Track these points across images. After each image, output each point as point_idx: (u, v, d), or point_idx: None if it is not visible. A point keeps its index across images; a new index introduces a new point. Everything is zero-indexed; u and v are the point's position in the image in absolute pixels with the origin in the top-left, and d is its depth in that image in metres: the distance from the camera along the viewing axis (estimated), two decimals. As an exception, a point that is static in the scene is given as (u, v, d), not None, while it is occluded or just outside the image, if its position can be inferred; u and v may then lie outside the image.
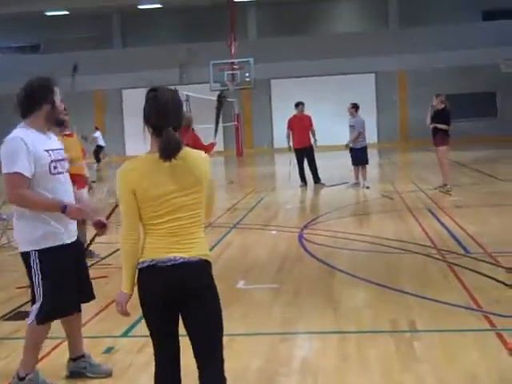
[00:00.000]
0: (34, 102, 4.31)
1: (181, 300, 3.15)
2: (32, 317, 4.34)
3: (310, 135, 15.72)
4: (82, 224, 8.62)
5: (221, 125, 12.04)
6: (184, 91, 22.25)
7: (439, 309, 5.73)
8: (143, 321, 5.72)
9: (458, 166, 18.44)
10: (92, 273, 7.57)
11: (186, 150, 3.18)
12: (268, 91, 33.81)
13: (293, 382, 4.34)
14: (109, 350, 5.09)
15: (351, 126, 15.19)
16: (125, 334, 5.48)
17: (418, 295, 6.13)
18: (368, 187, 14.79)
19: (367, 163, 15.36)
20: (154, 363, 4.75)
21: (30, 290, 4.51)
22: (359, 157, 15.14)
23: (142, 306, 3.22)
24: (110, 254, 8.76)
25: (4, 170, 4.13)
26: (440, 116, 13.43)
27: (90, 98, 32.89)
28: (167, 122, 3.08)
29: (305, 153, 15.65)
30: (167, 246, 3.13)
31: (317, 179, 15.78)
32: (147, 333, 5.35)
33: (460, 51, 31.10)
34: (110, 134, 33.91)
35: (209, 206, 3.31)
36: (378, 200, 13.28)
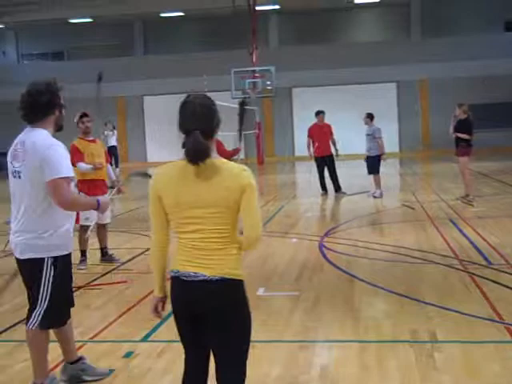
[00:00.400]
0: (49, 106, 4.30)
1: (201, 315, 3.13)
2: (35, 322, 4.31)
3: (331, 144, 15.68)
4: (104, 228, 8.67)
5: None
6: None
7: (460, 320, 5.68)
8: (163, 326, 5.83)
9: (480, 177, 18.29)
10: (113, 278, 7.68)
11: (221, 162, 3.10)
12: (289, 100, 33.82)
13: (312, 391, 4.32)
14: (128, 355, 5.11)
15: (368, 135, 15.14)
16: (144, 339, 5.49)
17: (439, 306, 6.08)
18: (376, 197, 14.79)
19: (373, 172, 15.31)
20: (172, 368, 4.80)
21: (29, 296, 4.45)
22: (375, 165, 15.09)
23: (172, 312, 3.24)
24: (130, 259, 8.81)
25: (53, 176, 4.10)
26: (463, 126, 13.34)
27: (113, 104, 33.14)
28: (194, 126, 3.05)
29: (325, 161, 15.62)
30: (190, 259, 3.11)
31: (338, 188, 15.75)
32: (167, 338, 5.45)
33: (482, 61, 30.88)
34: (132, 139, 34.18)
35: (247, 220, 3.09)
36: (399, 209, 13.20)
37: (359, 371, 4.62)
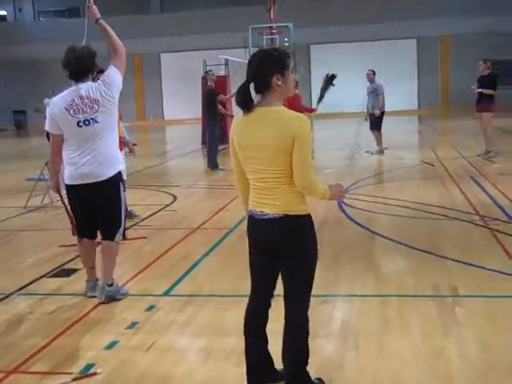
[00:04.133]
0: (93, 66, 5.27)
1: (271, 248, 3.43)
2: (118, 235, 5.38)
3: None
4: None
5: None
6: (222, 55, 22.16)
7: (482, 275, 5.66)
8: (183, 281, 5.88)
9: (502, 133, 18.07)
10: (132, 234, 7.73)
11: (278, 109, 3.31)
12: (307, 56, 33.44)
13: (333, 344, 4.34)
14: (150, 309, 5.16)
15: (372, 92, 15.07)
16: (166, 294, 5.54)
17: (461, 261, 6.06)
18: (372, 153, 14.88)
19: (378, 129, 15.33)
20: (194, 322, 4.85)
21: (105, 214, 5.29)
22: (380, 121, 15.16)
23: (248, 244, 3.58)
24: (149, 216, 8.85)
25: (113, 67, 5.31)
26: (486, 81, 13.12)
27: (129, 61, 32.93)
28: (248, 78, 3.35)
29: None
30: (257, 199, 3.42)
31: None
32: (188, 292, 5.49)
33: (506, 16, 30.22)
34: (149, 97, 34.07)
35: (295, 171, 3.26)
36: (418, 166, 13.12)
37: (380, 325, 4.63)
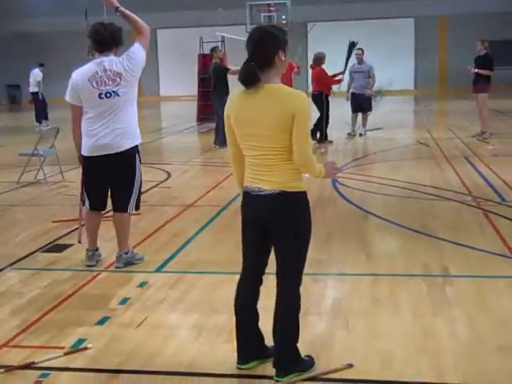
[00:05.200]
0: (120, 40, 5.42)
1: (266, 224, 3.45)
2: (132, 206, 5.53)
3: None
4: None
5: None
6: (219, 32, 22.01)
7: (473, 255, 5.69)
8: (176, 257, 5.90)
9: (497, 114, 18.06)
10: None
11: (278, 87, 3.32)
12: (304, 34, 33.22)
13: (324, 322, 4.36)
14: (142, 285, 5.18)
15: (360, 72, 14.58)
16: (158, 270, 5.56)
17: (452, 241, 6.09)
18: (361, 134, 14.69)
19: (371, 110, 15.06)
20: (186, 298, 4.88)
21: (119, 185, 5.47)
22: (366, 103, 14.71)
23: (241, 221, 3.60)
24: (143, 192, 8.81)
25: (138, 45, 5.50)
26: (482, 62, 13.09)
27: (126, 37, 32.67)
28: (250, 56, 3.33)
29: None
30: (254, 176, 3.43)
31: None
32: (180, 269, 5.50)
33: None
34: (145, 73, 33.74)
35: (294, 147, 3.28)
36: (413, 146, 13.11)
37: (370, 304, 4.66)
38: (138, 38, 5.49)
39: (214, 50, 14.76)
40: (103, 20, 5.46)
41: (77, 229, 6.56)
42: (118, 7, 5.45)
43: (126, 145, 5.37)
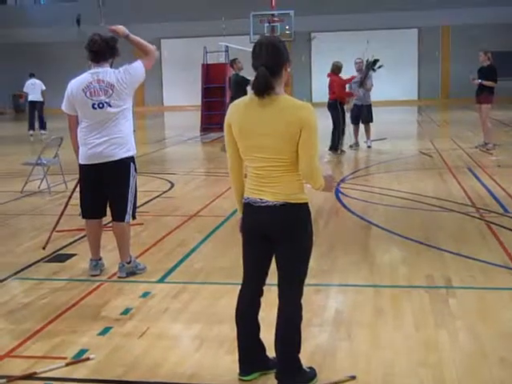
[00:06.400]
0: (116, 52, 5.50)
1: (268, 235, 3.45)
2: (128, 216, 5.55)
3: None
4: None
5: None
6: (223, 42, 22.08)
7: (476, 267, 5.68)
8: (179, 268, 5.90)
9: (500, 125, 18.05)
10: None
11: (284, 98, 3.31)
12: (308, 45, 33.33)
13: (326, 333, 4.36)
14: (145, 295, 5.18)
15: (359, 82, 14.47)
16: (161, 280, 5.56)
17: (455, 253, 6.08)
18: (370, 146, 14.55)
19: (372, 121, 14.89)
20: (188, 308, 4.88)
21: (114, 195, 5.51)
22: (366, 114, 14.59)
23: (242, 232, 3.60)
24: (146, 202, 8.86)
25: (138, 64, 5.58)
26: (486, 73, 13.10)
27: (129, 46, 32.75)
28: (259, 62, 3.28)
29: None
30: (256, 187, 3.42)
31: None
32: (182, 279, 5.50)
33: (508, 7, 30.13)
34: (148, 83, 33.87)
35: (301, 159, 3.29)
36: (416, 157, 13.12)
37: (373, 315, 4.65)
38: (143, 58, 5.60)
39: (233, 61, 14.55)
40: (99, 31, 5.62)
41: (79, 239, 6.59)
42: (127, 35, 5.54)
43: (120, 154, 5.43)
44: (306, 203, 3.45)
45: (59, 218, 6.75)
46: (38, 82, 20.55)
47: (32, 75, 21.02)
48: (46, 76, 22.07)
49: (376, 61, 14.21)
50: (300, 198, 3.40)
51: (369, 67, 14.23)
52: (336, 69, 13.97)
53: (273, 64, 3.29)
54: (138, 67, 5.51)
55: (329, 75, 14.09)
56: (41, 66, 29.29)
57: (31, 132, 19.93)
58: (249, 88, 13.21)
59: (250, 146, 3.37)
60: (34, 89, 20.39)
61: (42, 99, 20.31)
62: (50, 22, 34.10)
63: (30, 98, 20.44)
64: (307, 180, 3.36)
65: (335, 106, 13.81)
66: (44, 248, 6.48)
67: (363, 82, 14.14)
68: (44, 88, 20.34)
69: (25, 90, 20.79)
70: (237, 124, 3.39)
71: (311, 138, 3.28)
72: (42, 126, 20.34)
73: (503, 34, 30.54)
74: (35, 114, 20.31)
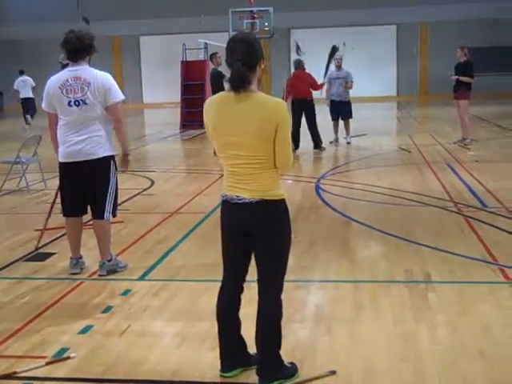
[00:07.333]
0: (91, 48, 5.44)
1: (246, 232, 3.47)
2: (108, 214, 5.53)
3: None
4: None
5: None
6: (202, 39, 22.02)
7: (454, 261, 5.73)
8: (159, 266, 5.89)
9: (478, 121, 18.22)
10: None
11: (259, 95, 3.33)
12: (287, 41, 33.34)
13: (306, 328, 4.38)
14: (126, 293, 5.17)
15: (339, 78, 14.44)
16: (141, 278, 5.55)
17: (434, 247, 6.14)
18: (349, 142, 14.57)
19: (352, 117, 14.87)
20: (169, 306, 4.87)
21: (93, 193, 5.49)
22: (345, 110, 14.59)
23: (221, 229, 3.61)
24: (126, 200, 8.82)
25: (118, 98, 5.46)
26: (463, 68, 13.21)
27: (109, 43, 32.61)
28: (234, 57, 3.30)
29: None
30: (233, 184, 3.43)
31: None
32: (163, 277, 5.50)
33: (485, 3, 30.38)
34: (128, 81, 33.73)
35: (279, 153, 3.35)
36: (395, 153, 13.19)
37: (353, 310, 4.68)
38: (115, 122, 5.56)
39: (213, 55, 14.18)
40: (74, 28, 5.54)
41: (59, 237, 6.56)
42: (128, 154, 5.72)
43: (99, 153, 5.41)
44: (283, 199, 3.47)
45: (48, 217, 6.64)
46: (28, 78, 20.69)
47: (22, 72, 21.07)
48: (30, 74, 21.93)
49: (334, 48, 14.21)
50: (276, 194, 3.42)
51: (332, 55, 14.20)
52: (303, 65, 13.93)
53: (248, 59, 3.30)
54: (112, 89, 5.44)
55: (298, 73, 13.79)
56: (19, 64, 28.98)
57: (27, 127, 20.05)
58: (226, 83, 13.04)
59: (225, 143, 3.38)
60: (24, 86, 20.53)
61: (32, 96, 20.44)
62: (27, 19, 33.73)
63: (22, 95, 20.57)
64: (283, 170, 3.43)
65: (308, 104, 13.61)
66: (36, 248, 6.42)
67: (327, 67, 14.15)
68: (34, 85, 20.53)
69: (15, 87, 20.87)
70: (211, 121, 3.40)
71: (287, 134, 3.35)
72: (32, 115, 20.59)
73: (481, 30, 30.78)
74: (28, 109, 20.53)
